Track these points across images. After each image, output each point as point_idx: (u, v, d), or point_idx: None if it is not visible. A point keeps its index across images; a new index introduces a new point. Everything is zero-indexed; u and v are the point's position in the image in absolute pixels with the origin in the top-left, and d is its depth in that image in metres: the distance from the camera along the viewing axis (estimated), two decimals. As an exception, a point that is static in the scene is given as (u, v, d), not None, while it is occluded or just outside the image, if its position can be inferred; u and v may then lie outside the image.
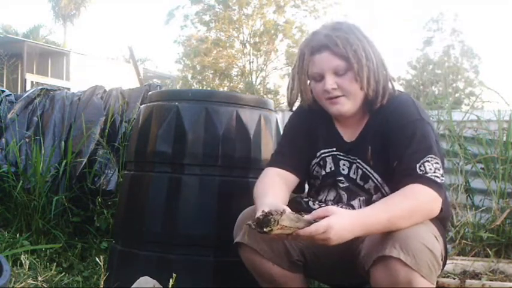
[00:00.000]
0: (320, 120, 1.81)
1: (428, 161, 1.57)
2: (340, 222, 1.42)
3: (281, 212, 1.36)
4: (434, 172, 1.56)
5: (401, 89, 1.82)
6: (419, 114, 1.66)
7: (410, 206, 1.51)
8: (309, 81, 1.75)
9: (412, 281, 1.45)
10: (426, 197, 1.54)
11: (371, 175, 1.71)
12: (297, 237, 1.41)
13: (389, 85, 1.70)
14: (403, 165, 1.60)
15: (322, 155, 1.80)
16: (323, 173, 1.80)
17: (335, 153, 1.78)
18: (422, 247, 1.46)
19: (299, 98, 1.82)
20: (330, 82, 1.66)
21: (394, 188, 1.60)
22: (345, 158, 1.76)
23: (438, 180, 1.56)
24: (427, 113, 1.74)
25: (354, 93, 1.67)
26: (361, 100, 1.70)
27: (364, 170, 1.72)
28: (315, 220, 1.42)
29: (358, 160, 1.73)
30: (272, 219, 1.34)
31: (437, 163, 1.58)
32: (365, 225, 1.46)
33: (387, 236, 1.48)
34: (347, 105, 1.69)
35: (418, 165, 1.57)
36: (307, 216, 1.44)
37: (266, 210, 1.37)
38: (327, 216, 1.42)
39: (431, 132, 1.64)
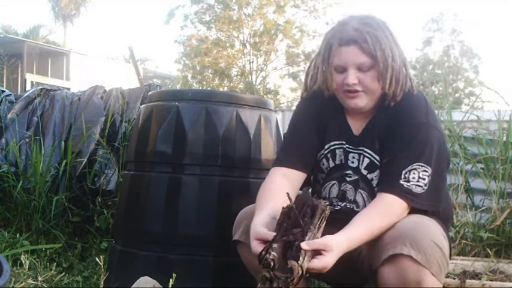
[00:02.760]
0: (331, 111, 1.79)
1: (415, 169, 1.60)
2: (332, 258, 1.44)
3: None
4: (418, 181, 1.59)
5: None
6: (427, 117, 1.66)
7: (388, 220, 1.55)
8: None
9: (422, 280, 1.45)
10: (399, 210, 1.58)
11: (379, 164, 1.71)
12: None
13: (408, 83, 1.70)
14: (391, 167, 1.63)
15: (332, 147, 1.79)
16: (331, 165, 1.80)
17: (345, 146, 1.77)
18: (432, 245, 1.47)
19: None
20: (352, 77, 1.65)
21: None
22: (354, 151, 1.76)
23: (419, 190, 1.59)
24: (437, 116, 1.73)
25: (373, 91, 1.67)
26: (378, 97, 1.70)
27: (373, 159, 1.72)
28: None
29: (366, 150, 1.73)
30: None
31: (425, 171, 1.60)
32: (351, 247, 1.50)
33: (396, 234, 1.49)
34: (365, 101, 1.69)
35: (404, 172, 1.60)
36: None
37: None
38: (323, 250, 1.42)
39: (432, 138, 1.63)
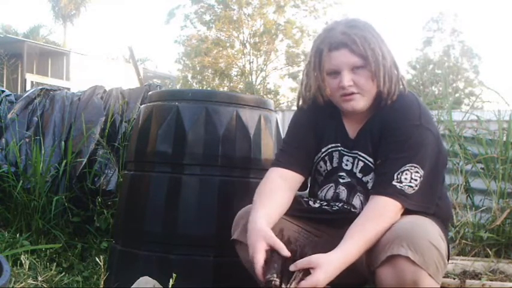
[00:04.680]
0: (328, 115, 1.80)
1: (407, 170, 1.60)
2: (323, 275, 1.45)
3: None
4: (410, 182, 1.59)
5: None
6: (420, 119, 1.66)
7: (383, 225, 1.55)
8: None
9: (419, 280, 1.45)
10: (393, 210, 1.58)
11: (373, 166, 1.72)
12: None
13: (400, 84, 1.71)
14: (384, 169, 1.64)
15: (329, 150, 1.81)
16: (329, 168, 1.81)
17: (340, 148, 1.79)
18: (429, 245, 1.47)
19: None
20: (347, 79, 1.66)
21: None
22: (349, 154, 1.77)
23: (410, 190, 1.59)
24: (431, 116, 1.73)
25: (368, 91, 1.68)
26: (373, 97, 1.70)
27: (366, 162, 1.73)
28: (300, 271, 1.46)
29: (360, 153, 1.74)
30: None
31: (417, 172, 1.60)
32: (348, 261, 1.50)
33: (393, 235, 1.49)
34: (362, 102, 1.69)
35: (396, 174, 1.60)
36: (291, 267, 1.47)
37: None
38: (311, 268, 1.44)
39: (426, 139, 1.64)
